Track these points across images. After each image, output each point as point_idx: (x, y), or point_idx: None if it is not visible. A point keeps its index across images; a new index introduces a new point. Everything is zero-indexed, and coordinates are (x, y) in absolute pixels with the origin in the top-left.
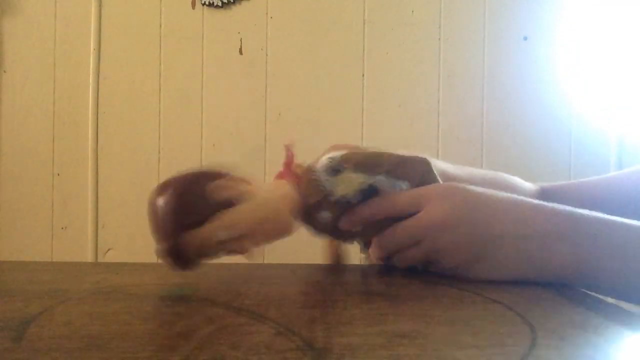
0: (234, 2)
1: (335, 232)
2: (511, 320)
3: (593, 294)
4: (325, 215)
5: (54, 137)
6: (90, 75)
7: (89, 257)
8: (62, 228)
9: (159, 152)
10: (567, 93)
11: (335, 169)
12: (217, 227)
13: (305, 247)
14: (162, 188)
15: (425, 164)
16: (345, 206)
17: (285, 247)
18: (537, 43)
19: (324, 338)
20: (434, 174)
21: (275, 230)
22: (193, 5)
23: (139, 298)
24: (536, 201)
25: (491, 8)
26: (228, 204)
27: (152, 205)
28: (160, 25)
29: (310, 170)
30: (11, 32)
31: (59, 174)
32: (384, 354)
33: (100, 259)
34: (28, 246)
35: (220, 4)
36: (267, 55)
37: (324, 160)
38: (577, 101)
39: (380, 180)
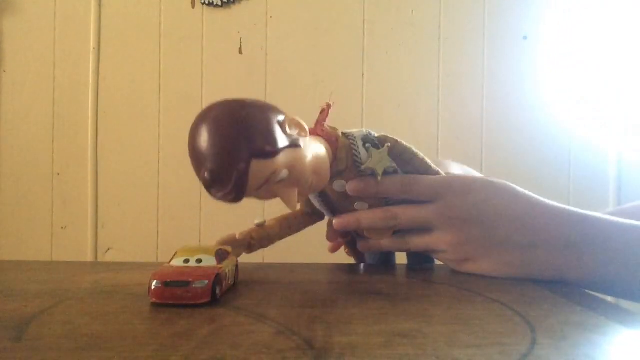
0: (233, 2)
1: (335, 207)
2: (511, 320)
3: (592, 293)
4: (340, 184)
5: (54, 137)
6: (90, 75)
7: (88, 257)
8: (62, 227)
9: (159, 152)
10: (566, 93)
11: (374, 142)
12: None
13: (305, 247)
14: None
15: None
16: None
17: (285, 247)
18: (537, 43)
19: (324, 337)
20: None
21: (320, 182)
22: (193, 4)
23: (139, 298)
24: (552, 205)
25: (491, 8)
26: None
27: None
28: (160, 25)
29: (347, 135)
30: (11, 32)
31: (59, 174)
32: (383, 354)
33: (100, 259)
34: (28, 246)
35: (220, 3)
36: (266, 55)
37: (363, 130)
38: (577, 101)
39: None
